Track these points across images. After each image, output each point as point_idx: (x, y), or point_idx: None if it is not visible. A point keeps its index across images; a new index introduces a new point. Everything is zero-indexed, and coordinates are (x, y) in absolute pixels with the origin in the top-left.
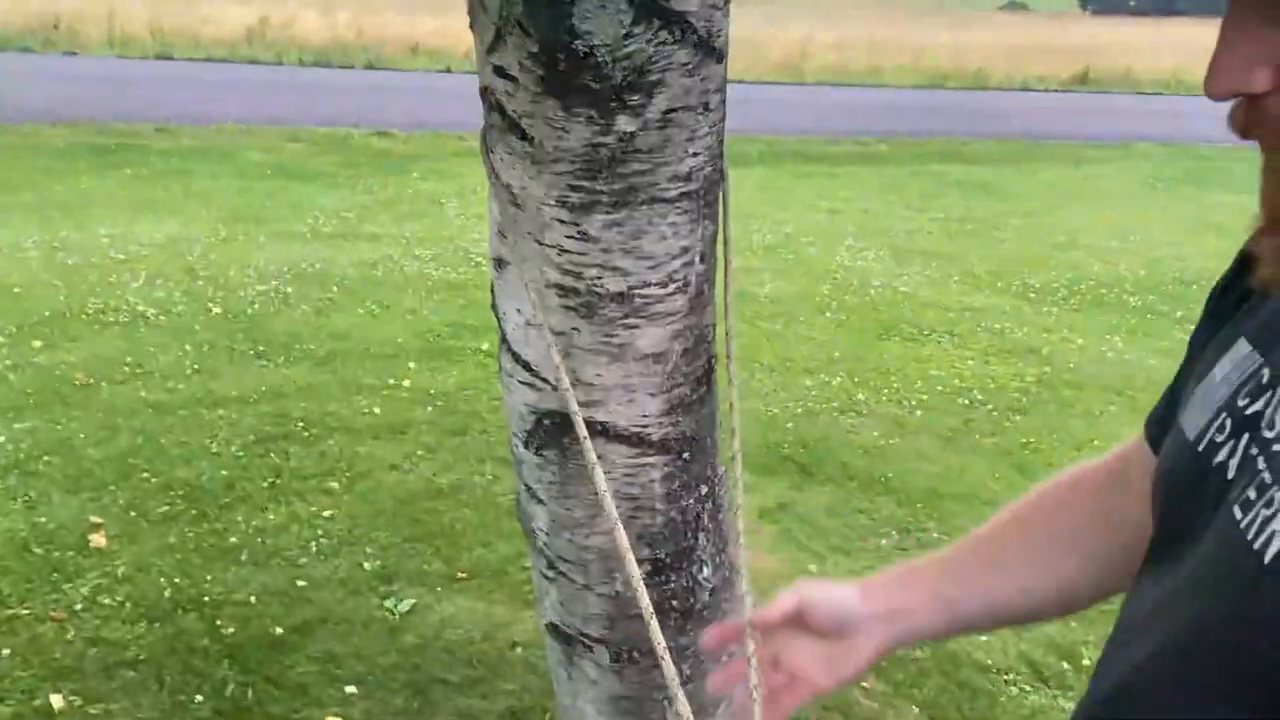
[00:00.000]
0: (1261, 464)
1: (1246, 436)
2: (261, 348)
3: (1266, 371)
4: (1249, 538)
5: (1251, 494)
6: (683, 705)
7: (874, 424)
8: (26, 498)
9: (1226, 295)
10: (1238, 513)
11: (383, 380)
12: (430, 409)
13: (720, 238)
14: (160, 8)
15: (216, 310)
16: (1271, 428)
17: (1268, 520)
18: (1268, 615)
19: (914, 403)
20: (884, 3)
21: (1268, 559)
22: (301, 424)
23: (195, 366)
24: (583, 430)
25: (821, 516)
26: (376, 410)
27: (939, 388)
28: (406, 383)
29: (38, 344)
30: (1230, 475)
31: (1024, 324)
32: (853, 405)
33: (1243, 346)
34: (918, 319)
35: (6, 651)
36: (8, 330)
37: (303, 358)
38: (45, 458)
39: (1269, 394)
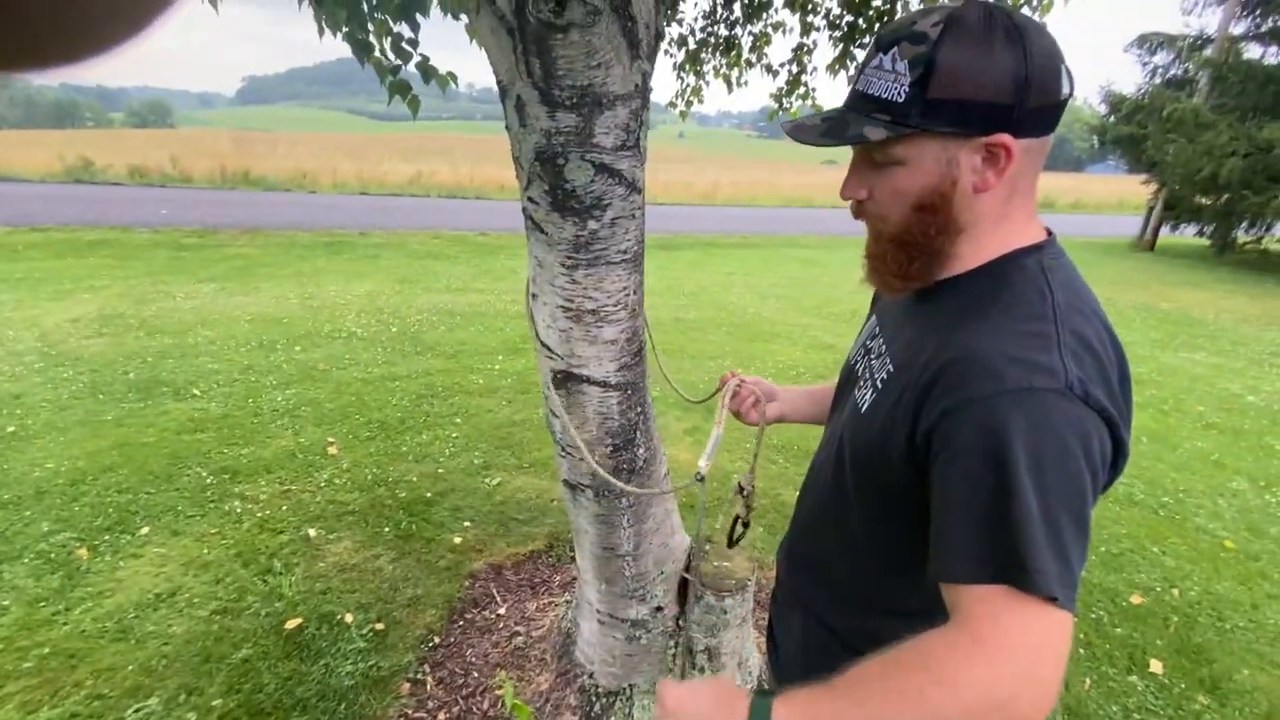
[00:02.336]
0: (867, 372)
1: (865, 357)
2: (419, 349)
3: (876, 326)
4: (859, 403)
5: (863, 384)
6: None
7: None
8: (293, 429)
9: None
10: (856, 393)
11: (485, 365)
12: (510, 380)
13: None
14: (362, 165)
15: (395, 329)
16: (875, 355)
17: (864, 394)
18: (859, 432)
19: (772, 373)
20: (759, 158)
21: (862, 408)
22: (441, 389)
23: (383, 360)
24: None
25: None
26: (480, 381)
27: (784, 367)
28: (497, 366)
29: (298, 349)
30: (858, 374)
31: (827, 332)
32: None
33: (872, 317)
34: (771, 330)
35: (285, 507)
36: (282, 341)
37: (441, 354)
38: (303, 408)
39: (875, 337)
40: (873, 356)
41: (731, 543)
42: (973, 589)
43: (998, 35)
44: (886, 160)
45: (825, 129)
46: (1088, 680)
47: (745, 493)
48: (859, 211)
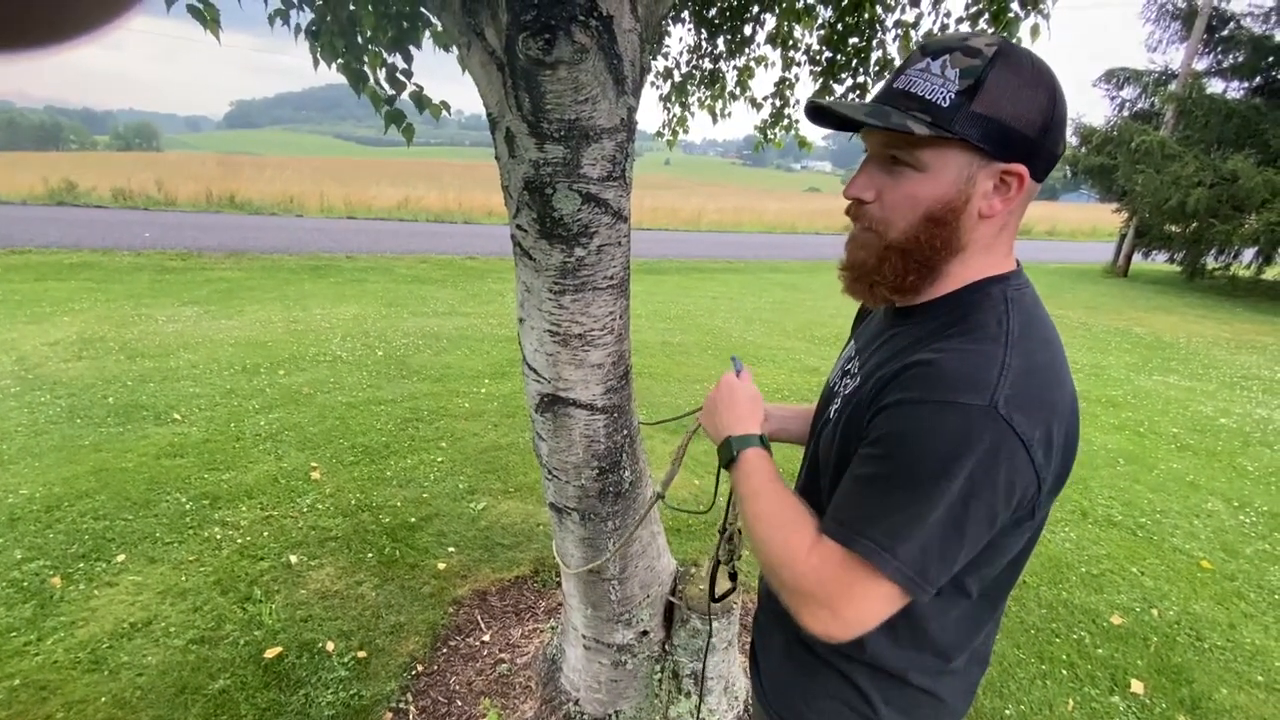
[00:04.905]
0: (841, 389)
1: (842, 378)
2: (405, 373)
3: (854, 351)
4: (830, 415)
5: (835, 401)
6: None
7: None
8: (276, 453)
9: (858, 315)
10: (830, 409)
11: (471, 389)
12: (496, 403)
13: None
14: (349, 189)
15: (380, 353)
16: (850, 375)
17: (834, 410)
18: (828, 445)
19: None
20: (743, 184)
21: (831, 415)
22: (426, 413)
23: (368, 384)
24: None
25: (696, 451)
26: (466, 405)
27: (770, 390)
28: (483, 390)
29: (282, 372)
30: (836, 393)
31: (811, 355)
32: None
33: (851, 343)
34: (756, 354)
35: (267, 533)
36: (266, 365)
37: (427, 378)
38: (286, 432)
39: (851, 360)
40: (848, 378)
41: (714, 597)
42: (835, 545)
43: (1040, 77)
44: (908, 163)
45: (869, 111)
46: (1071, 701)
47: (728, 534)
48: (857, 214)
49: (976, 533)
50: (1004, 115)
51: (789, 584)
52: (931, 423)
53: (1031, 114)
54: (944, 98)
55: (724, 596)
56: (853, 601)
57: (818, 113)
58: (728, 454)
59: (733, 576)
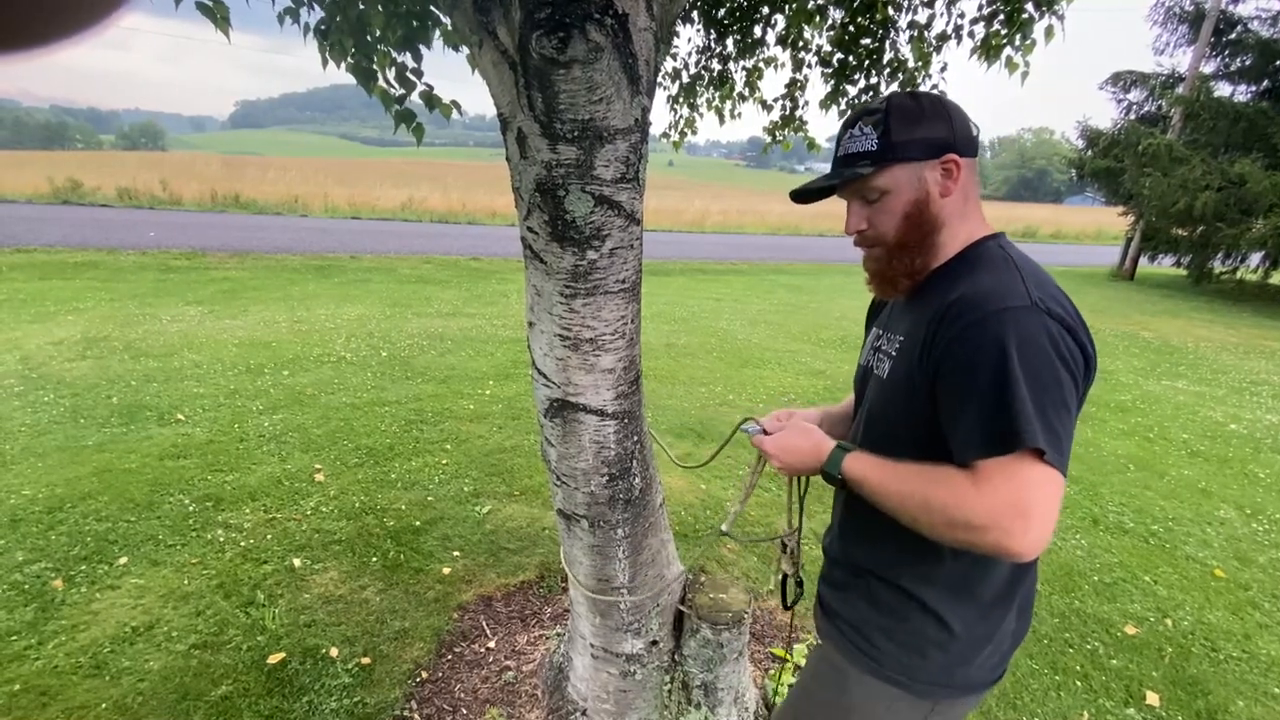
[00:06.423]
0: (880, 357)
1: (876, 352)
2: (409, 374)
3: (880, 330)
4: (878, 375)
5: (879, 364)
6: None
7: (735, 411)
8: (280, 455)
9: (871, 308)
10: (875, 373)
11: (476, 390)
12: (500, 405)
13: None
14: (353, 189)
15: (385, 354)
16: (886, 344)
17: (882, 367)
18: (884, 393)
19: (764, 399)
20: (746, 186)
21: (884, 376)
22: (431, 414)
23: (372, 385)
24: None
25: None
26: (471, 407)
27: (775, 393)
28: (488, 392)
29: (286, 373)
30: (873, 366)
31: (817, 358)
32: (725, 402)
33: (875, 327)
34: (761, 356)
35: (270, 536)
36: (270, 366)
37: (432, 379)
38: (290, 434)
39: (881, 337)
40: (883, 347)
41: (787, 605)
42: (986, 462)
43: (924, 102)
44: (875, 194)
45: (826, 177)
46: (1086, 714)
47: (788, 549)
48: (861, 240)
49: (1071, 404)
50: (914, 135)
51: (977, 521)
52: (996, 329)
53: (933, 123)
54: (871, 144)
55: (795, 604)
56: (1040, 498)
57: (799, 196)
58: (835, 481)
59: (799, 584)
